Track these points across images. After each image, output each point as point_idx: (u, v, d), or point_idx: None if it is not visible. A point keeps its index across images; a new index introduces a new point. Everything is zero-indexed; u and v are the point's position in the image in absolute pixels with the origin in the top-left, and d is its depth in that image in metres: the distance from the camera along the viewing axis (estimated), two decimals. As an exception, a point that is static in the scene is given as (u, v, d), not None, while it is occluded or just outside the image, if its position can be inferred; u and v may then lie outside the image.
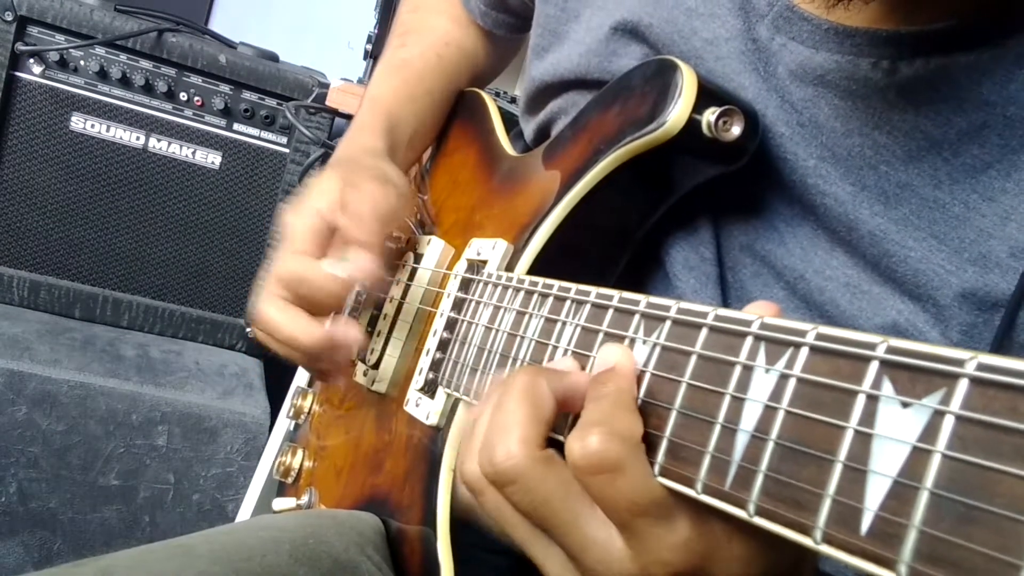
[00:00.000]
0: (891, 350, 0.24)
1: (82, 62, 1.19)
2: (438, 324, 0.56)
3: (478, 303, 0.51)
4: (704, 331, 0.31)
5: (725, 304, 0.50)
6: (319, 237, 0.56)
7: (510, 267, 0.51)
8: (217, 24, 1.85)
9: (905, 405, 0.23)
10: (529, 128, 0.66)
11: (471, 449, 0.35)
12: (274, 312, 0.55)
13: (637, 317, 0.35)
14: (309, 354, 0.55)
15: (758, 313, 0.29)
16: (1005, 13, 0.39)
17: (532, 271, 0.49)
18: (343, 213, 0.56)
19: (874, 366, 0.24)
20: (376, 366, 0.63)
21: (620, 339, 0.35)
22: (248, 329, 1.34)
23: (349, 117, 1.29)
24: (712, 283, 0.50)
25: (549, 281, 0.42)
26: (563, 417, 0.36)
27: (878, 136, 0.43)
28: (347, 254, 0.54)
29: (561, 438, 0.36)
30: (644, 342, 0.34)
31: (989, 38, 0.40)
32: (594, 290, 0.38)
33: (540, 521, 0.33)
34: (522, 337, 0.43)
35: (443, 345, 0.54)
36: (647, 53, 0.52)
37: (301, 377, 1.02)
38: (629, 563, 0.31)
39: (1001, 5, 0.39)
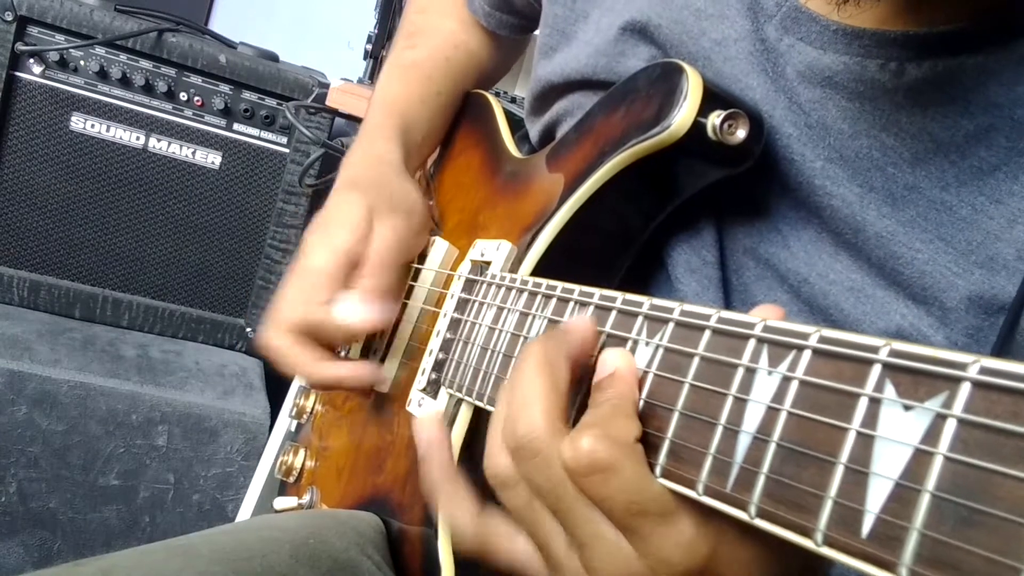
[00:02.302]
0: (894, 353, 0.24)
1: (82, 62, 1.19)
2: (441, 324, 0.56)
3: (482, 304, 0.51)
4: (707, 333, 0.31)
5: (728, 307, 0.50)
6: (339, 279, 0.57)
7: (514, 268, 0.52)
8: (217, 24, 1.85)
9: (907, 408, 0.23)
10: (535, 129, 0.66)
11: (495, 442, 0.36)
12: (282, 347, 0.58)
13: (640, 319, 0.35)
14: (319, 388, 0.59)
15: (763, 316, 0.29)
16: (1013, 16, 0.40)
17: (536, 273, 0.50)
18: (367, 251, 0.58)
19: (877, 369, 0.24)
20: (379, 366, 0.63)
21: (623, 341, 0.35)
22: (248, 329, 1.34)
23: (349, 117, 1.29)
24: (714, 286, 0.50)
25: (553, 282, 0.43)
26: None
27: (885, 138, 0.43)
28: (365, 304, 0.56)
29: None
30: (647, 344, 0.34)
31: (997, 41, 0.40)
32: (597, 292, 0.38)
33: (555, 503, 0.32)
34: (526, 338, 0.43)
35: (446, 345, 0.54)
36: (655, 54, 0.52)
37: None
38: (636, 562, 0.31)
39: (1009, 8, 0.40)
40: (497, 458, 0.35)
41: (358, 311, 0.55)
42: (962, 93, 0.41)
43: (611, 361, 0.34)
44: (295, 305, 0.57)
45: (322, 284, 0.56)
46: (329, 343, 0.59)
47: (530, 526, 0.35)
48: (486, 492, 0.37)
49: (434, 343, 0.56)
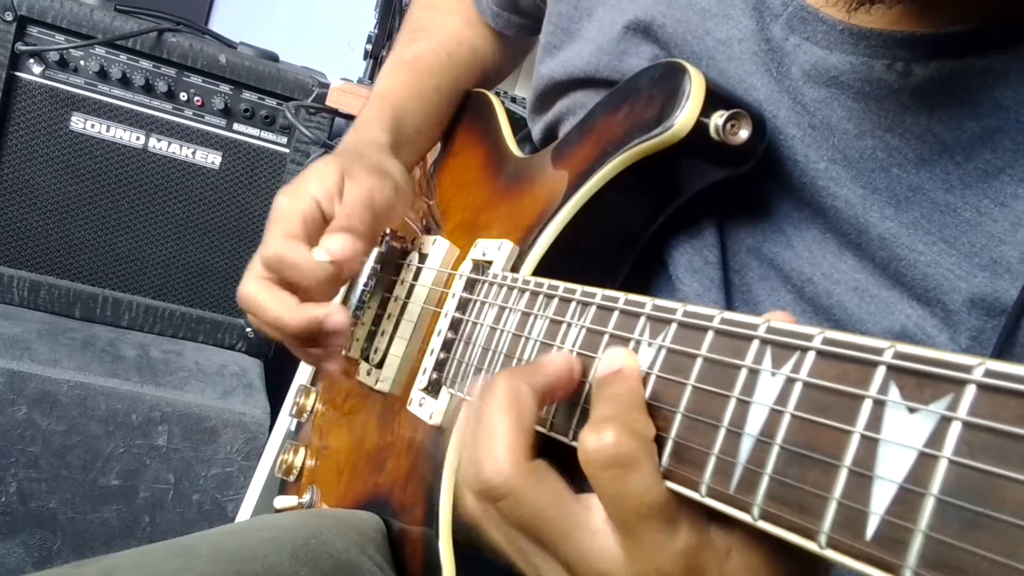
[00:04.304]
0: (898, 355, 0.24)
1: (82, 62, 1.19)
2: (442, 324, 0.56)
3: (483, 303, 0.51)
4: (710, 334, 0.31)
5: (730, 307, 0.50)
6: (310, 223, 0.55)
7: (515, 268, 0.51)
8: (217, 24, 1.85)
9: (912, 410, 0.23)
10: (537, 127, 0.66)
11: (463, 482, 0.34)
12: (259, 292, 0.54)
13: (643, 319, 0.35)
14: (296, 337, 0.54)
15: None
16: (1020, 19, 0.39)
17: (537, 272, 0.50)
18: (337, 201, 0.56)
19: (881, 371, 0.24)
20: (380, 365, 0.63)
21: (625, 341, 0.35)
22: (248, 329, 1.34)
23: (349, 117, 1.29)
24: (716, 286, 0.49)
25: (554, 282, 0.42)
26: (567, 419, 0.37)
27: (890, 139, 0.43)
28: (336, 242, 0.53)
29: (564, 439, 0.36)
30: (650, 344, 0.34)
31: (1004, 43, 0.40)
32: (599, 292, 0.38)
33: (534, 533, 0.32)
34: (527, 338, 0.43)
35: (447, 345, 0.54)
36: (658, 53, 0.52)
37: (303, 375, 1.02)
38: (625, 569, 0.30)
39: (1017, 11, 0.39)
40: (467, 499, 0.34)
41: (331, 250, 0.52)
42: (968, 95, 0.40)
43: (616, 359, 0.34)
44: (270, 245, 0.54)
45: (293, 220, 0.54)
46: (304, 289, 0.54)
47: (516, 558, 0.34)
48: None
49: (435, 342, 0.56)
